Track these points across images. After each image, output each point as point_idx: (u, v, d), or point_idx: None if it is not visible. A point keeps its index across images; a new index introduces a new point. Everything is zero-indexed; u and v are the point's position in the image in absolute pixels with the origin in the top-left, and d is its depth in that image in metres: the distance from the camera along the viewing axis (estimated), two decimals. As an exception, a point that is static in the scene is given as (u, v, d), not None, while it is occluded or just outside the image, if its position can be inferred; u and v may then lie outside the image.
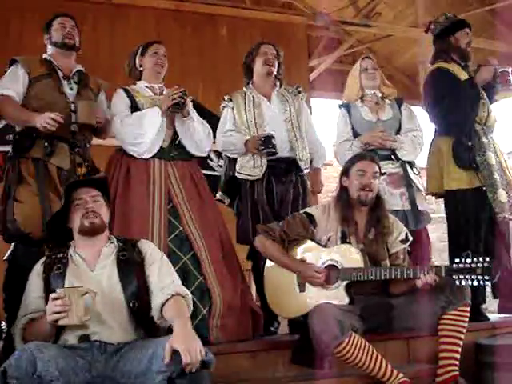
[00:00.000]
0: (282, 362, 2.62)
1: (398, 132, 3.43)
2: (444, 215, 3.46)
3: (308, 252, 2.73)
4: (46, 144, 2.73)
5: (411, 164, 3.38)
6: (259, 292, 3.11)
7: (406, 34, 6.95)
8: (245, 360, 2.60)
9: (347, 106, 3.50)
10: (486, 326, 3.07)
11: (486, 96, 3.39)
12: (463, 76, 3.36)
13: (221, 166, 5.48)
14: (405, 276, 2.53)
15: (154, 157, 2.95)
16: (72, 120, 2.81)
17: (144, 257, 2.20)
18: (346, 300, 2.59)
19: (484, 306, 3.31)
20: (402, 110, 3.50)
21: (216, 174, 5.44)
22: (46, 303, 2.03)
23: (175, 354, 1.78)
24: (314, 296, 2.64)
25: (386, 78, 3.68)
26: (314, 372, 2.51)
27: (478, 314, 3.09)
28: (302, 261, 2.71)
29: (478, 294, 3.08)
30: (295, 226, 2.74)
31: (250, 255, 3.23)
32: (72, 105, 2.84)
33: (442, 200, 3.53)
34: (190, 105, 3.03)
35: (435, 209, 3.50)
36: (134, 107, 3.00)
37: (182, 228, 2.84)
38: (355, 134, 3.42)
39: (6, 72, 2.88)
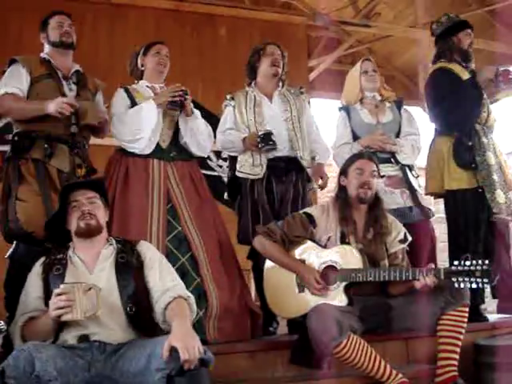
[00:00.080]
0: (281, 362, 2.62)
1: (397, 135, 3.43)
2: (444, 215, 3.46)
3: (308, 252, 2.73)
4: (45, 145, 2.72)
5: (410, 167, 3.37)
6: (259, 292, 3.11)
7: (405, 35, 6.94)
8: (244, 360, 2.60)
9: (347, 109, 3.49)
10: (485, 327, 3.07)
11: (486, 96, 3.40)
12: (465, 76, 3.36)
13: (220, 167, 5.52)
14: (404, 278, 2.53)
15: (153, 157, 2.96)
16: (72, 121, 2.81)
17: (143, 261, 2.20)
18: (345, 301, 2.59)
19: (483, 307, 3.31)
20: (401, 112, 3.50)
21: (215, 174, 5.46)
22: (45, 304, 2.04)
23: (174, 351, 1.79)
24: (313, 296, 2.63)
25: (385, 79, 3.68)
26: (312, 372, 2.52)
27: (476, 315, 3.09)
28: (302, 261, 2.71)
29: (477, 294, 3.09)
30: (295, 226, 2.74)
31: (250, 254, 3.23)
32: None
33: (441, 200, 3.52)
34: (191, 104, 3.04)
35: (435, 209, 3.52)
36: (133, 107, 2.99)
37: (180, 228, 2.84)
38: (355, 137, 3.41)
39: (4, 72, 2.87)
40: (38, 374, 1.76)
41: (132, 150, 2.94)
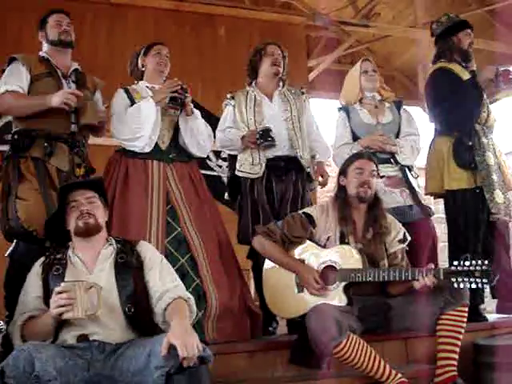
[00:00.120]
0: (281, 362, 2.62)
1: (397, 135, 3.42)
2: (443, 215, 3.47)
3: (307, 252, 2.73)
4: (45, 144, 2.72)
5: (409, 167, 3.37)
6: (258, 291, 3.11)
7: (405, 35, 6.95)
8: (243, 360, 2.60)
9: (346, 109, 3.49)
10: (485, 327, 3.07)
11: (486, 96, 3.40)
12: (465, 76, 3.36)
13: (220, 166, 5.52)
14: (403, 278, 2.53)
15: (152, 158, 2.96)
16: (72, 120, 2.81)
17: (143, 261, 2.19)
18: (345, 301, 2.59)
19: (482, 307, 3.31)
20: (401, 113, 3.50)
21: (215, 174, 5.45)
22: (45, 303, 2.03)
23: (172, 349, 1.78)
24: (313, 296, 2.63)
25: (384, 79, 3.68)
26: (312, 372, 2.52)
27: (476, 315, 3.09)
28: (302, 261, 2.71)
29: (476, 294, 3.09)
30: (295, 226, 2.74)
31: (250, 254, 3.22)
32: None
33: (441, 200, 3.53)
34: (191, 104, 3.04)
35: (434, 209, 3.52)
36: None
37: (180, 229, 2.84)
38: (354, 137, 3.41)
39: (4, 70, 2.87)
40: (37, 373, 1.76)
41: (132, 149, 2.94)
